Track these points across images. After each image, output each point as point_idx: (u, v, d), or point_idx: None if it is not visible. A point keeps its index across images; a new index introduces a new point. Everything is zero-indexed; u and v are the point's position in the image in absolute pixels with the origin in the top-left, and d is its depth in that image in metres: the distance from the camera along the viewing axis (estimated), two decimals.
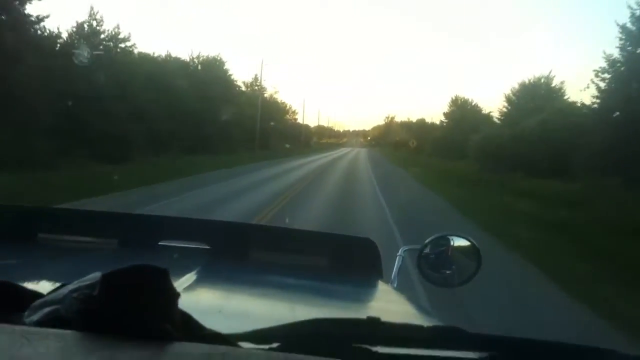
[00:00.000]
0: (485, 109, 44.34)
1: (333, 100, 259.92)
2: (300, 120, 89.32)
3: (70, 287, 0.72)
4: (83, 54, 22.19)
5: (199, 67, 42.78)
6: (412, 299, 1.67)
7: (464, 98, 47.48)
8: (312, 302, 1.47)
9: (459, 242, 1.92)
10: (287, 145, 54.79)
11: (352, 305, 1.52)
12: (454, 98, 47.95)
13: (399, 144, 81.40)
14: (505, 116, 34.37)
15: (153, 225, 1.91)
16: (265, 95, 72.35)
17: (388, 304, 1.53)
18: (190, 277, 1.36)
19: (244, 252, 1.78)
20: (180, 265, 1.52)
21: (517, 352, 0.84)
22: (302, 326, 0.79)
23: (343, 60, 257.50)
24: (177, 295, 0.71)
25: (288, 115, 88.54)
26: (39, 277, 1.27)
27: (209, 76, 40.79)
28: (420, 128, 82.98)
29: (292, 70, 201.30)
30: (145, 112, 28.66)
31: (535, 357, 0.84)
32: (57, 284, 0.78)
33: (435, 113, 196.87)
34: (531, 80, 33.56)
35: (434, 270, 1.92)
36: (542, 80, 32.67)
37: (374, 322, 0.81)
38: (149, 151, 27.95)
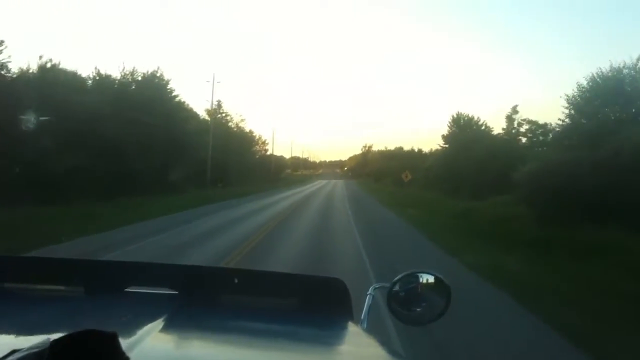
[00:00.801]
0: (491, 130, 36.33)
1: (308, 131, 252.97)
2: (272, 151, 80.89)
3: (19, 354, 0.72)
4: None
5: (133, 86, 33.84)
6: (381, 340, 1.56)
7: (468, 116, 39.22)
8: (277, 348, 1.45)
9: (429, 278, 1.92)
10: (219, 185, 41.39)
11: (320, 349, 1.51)
12: (455, 116, 39.73)
13: (379, 174, 73.24)
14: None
15: (119, 271, 1.88)
16: (230, 124, 64.25)
17: (354, 347, 1.53)
18: (157, 325, 1.35)
19: (212, 296, 1.76)
20: (148, 312, 1.52)
21: None
22: None
23: (316, 89, 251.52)
24: (127, 359, 0.72)
25: (257, 146, 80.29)
26: (2, 329, 1.28)
27: (143, 96, 31.90)
28: (404, 156, 75.56)
29: (263, 100, 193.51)
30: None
31: None
32: (25, 335, 0.81)
33: (415, 141, 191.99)
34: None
35: (403, 308, 1.91)
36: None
37: None
38: (37, 196, 18.99)
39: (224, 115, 62.89)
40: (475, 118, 40.52)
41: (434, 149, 49.23)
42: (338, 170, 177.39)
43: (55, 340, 0.70)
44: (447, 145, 40.14)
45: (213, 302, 1.74)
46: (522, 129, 35.47)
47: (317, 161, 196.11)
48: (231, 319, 1.68)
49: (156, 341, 1.24)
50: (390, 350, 1.52)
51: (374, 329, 1.70)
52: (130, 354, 0.75)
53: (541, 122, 33.62)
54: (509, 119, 36.20)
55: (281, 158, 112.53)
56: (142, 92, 32.36)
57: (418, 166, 48.05)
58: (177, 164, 32.69)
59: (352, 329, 1.63)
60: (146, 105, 30.79)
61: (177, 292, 1.74)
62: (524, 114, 36.73)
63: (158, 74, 35.35)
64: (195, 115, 45.11)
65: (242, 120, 67.08)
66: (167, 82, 35.93)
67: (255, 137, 77.24)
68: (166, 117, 32.57)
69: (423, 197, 30.70)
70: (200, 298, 1.73)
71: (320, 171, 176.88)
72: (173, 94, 36.14)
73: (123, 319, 1.41)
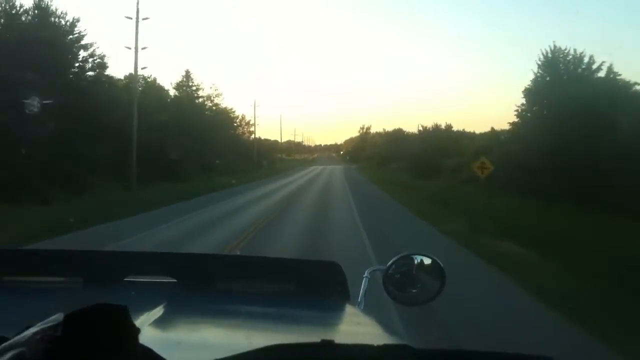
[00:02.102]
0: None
1: (302, 114, 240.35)
2: (255, 133, 68.73)
3: (34, 329, 0.74)
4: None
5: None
6: (379, 319, 1.60)
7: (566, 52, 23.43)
8: (276, 330, 1.48)
9: (423, 260, 1.94)
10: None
11: (315, 330, 1.53)
12: (546, 53, 23.95)
13: (382, 158, 61.13)
14: None
15: (118, 261, 1.91)
16: (202, 98, 51.94)
17: (352, 326, 1.56)
18: (157, 311, 1.36)
19: (210, 282, 1.77)
20: (147, 299, 1.53)
21: None
22: (258, 354, 0.82)
23: (310, 71, 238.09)
24: (138, 331, 0.75)
25: (240, 128, 68.25)
26: (4, 320, 1.29)
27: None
28: (424, 138, 63.23)
29: (254, 82, 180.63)
30: None
31: None
32: (22, 326, 0.80)
33: (411, 124, 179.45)
34: None
35: (399, 289, 1.92)
36: None
37: (326, 344, 0.84)
38: None
39: (193, 88, 50.84)
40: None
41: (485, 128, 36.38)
42: (334, 154, 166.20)
43: (68, 315, 0.71)
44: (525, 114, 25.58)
45: (211, 288, 1.76)
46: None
47: (312, 145, 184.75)
48: (230, 304, 1.70)
49: (156, 328, 1.25)
50: (388, 329, 1.54)
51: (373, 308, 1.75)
52: None
53: None
54: None
55: (267, 141, 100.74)
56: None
57: (452, 150, 35.46)
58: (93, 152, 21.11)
59: (350, 310, 1.68)
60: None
61: (175, 280, 1.76)
62: None
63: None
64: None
65: (217, 94, 54.85)
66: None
67: (235, 116, 65.55)
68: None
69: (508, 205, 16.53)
70: (198, 285, 1.74)
71: (316, 155, 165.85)
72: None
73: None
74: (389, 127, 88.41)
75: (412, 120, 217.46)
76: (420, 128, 48.92)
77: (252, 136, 73.90)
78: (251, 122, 71.61)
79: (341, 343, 0.85)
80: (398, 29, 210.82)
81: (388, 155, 57.63)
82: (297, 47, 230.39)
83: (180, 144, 30.83)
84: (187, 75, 50.03)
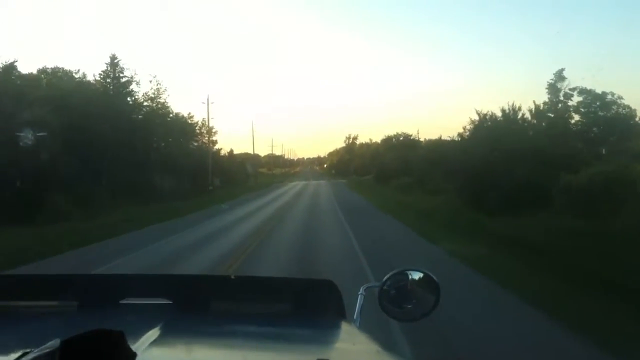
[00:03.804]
0: None
1: (282, 127, 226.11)
2: (209, 140, 54.30)
3: (31, 355, 0.73)
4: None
5: None
6: (374, 336, 1.58)
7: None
8: (273, 350, 1.47)
9: (417, 276, 1.94)
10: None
11: (313, 349, 1.52)
12: None
13: (384, 170, 46.90)
14: None
15: (113, 284, 1.90)
16: (133, 94, 37.45)
17: (348, 345, 1.56)
18: (153, 334, 1.35)
19: (206, 304, 1.76)
20: (143, 322, 1.52)
21: None
22: None
23: (289, 81, 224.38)
24: (134, 355, 0.75)
25: (199, 137, 54.12)
26: (0, 346, 1.29)
27: None
28: (408, 147, 49.97)
29: (227, 94, 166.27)
30: None
31: None
32: (19, 352, 0.79)
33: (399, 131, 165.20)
34: None
35: (394, 305, 1.93)
36: None
37: None
38: None
39: (121, 77, 36.64)
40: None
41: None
42: (317, 168, 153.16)
43: (65, 340, 0.71)
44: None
45: (207, 309, 1.75)
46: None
47: (295, 158, 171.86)
48: (226, 324, 1.71)
49: (153, 350, 1.24)
50: (384, 347, 1.53)
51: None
52: None
53: None
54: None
55: (245, 155, 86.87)
56: None
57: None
58: None
59: (346, 327, 1.68)
60: None
61: (171, 302, 1.75)
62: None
63: None
64: None
65: (161, 91, 40.10)
66: None
67: (193, 122, 51.44)
68: None
69: None
70: (194, 306, 1.74)
71: (298, 169, 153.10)
72: None
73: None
74: (376, 137, 74.87)
75: (398, 128, 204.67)
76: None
77: (219, 148, 60.13)
78: (214, 130, 57.69)
79: None
80: (382, 33, 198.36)
81: (392, 168, 43.69)
82: (275, 57, 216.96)
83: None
84: (114, 61, 35.94)
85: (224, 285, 1.93)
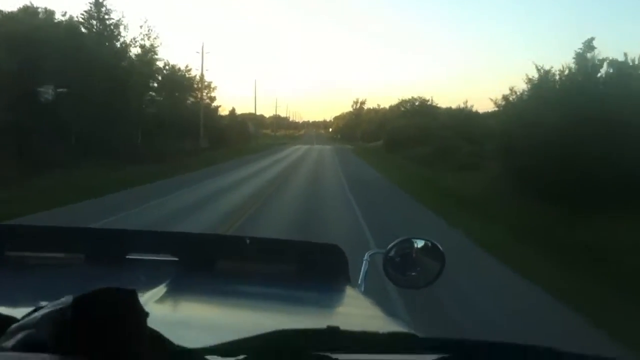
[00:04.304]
0: None
1: (289, 89, 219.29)
2: (201, 94, 49.46)
3: (43, 311, 0.75)
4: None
5: None
6: (378, 302, 1.60)
7: None
8: (280, 311, 1.49)
9: (423, 244, 1.96)
10: None
11: (318, 312, 1.55)
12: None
13: (396, 138, 42.01)
14: None
15: (119, 238, 1.90)
16: (120, 38, 32.45)
17: (354, 309, 1.58)
18: (159, 291, 1.36)
19: (212, 263, 1.77)
20: (149, 278, 1.55)
21: (471, 355, 0.88)
22: (266, 338, 0.82)
23: (297, 41, 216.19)
24: (146, 314, 0.75)
25: (198, 93, 49.40)
26: (10, 297, 1.31)
27: None
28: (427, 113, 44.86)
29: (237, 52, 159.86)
30: None
31: (488, 359, 0.88)
32: (29, 305, 0.81)
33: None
34: None
35: (399, 272, 1.95)
36: None
37: (333, 331, 0.85)
38: None
39: (106, 20, 31.79)
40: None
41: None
42: (322, 131, 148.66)
43: (77, 298, 0.72)
44: None
45: (213, 268, 1.75)
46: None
47: (300, 121, 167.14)
48: (231, 284, 1.72)
49: (159, 306, 1.25)
50: (385, 311, 1.55)
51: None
52: None
53: None
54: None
55: (250, 115, 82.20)
56: None
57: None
58: None
59: (350, 292, 1.68)
60: None
61: (177, 259, 1.75)
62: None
63: None
64: None
65: (149, 35, 35.01)
66: None
67: (190, 76, 46.73)
68: None
69: None
70: (200, 264, 1.74)
71: (302, 132, 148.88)
72: None
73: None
74: (384, 103, 69.82)
75: (410, 94, 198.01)
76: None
77: (218, 105, 55.89)
78: (213, 86, 53.08)
79: (347, 330, 0.86)
80: None
81: (405, 135, 39.05)
82: (285, 18, 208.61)
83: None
84: (98, 2, 31.15)
85: (231, 244, 1.94)
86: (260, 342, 0.81)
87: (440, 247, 1.91)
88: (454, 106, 42.91)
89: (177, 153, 30.18)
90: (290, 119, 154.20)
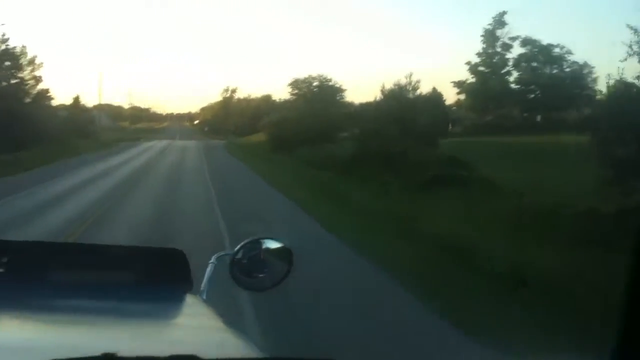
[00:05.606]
0: None
1: (155, 80, 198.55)
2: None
3: None
4: None
5: None
6: (219, 310, 1.57)
7: None
8: (111, 326, 1.39)
9: (271, 244, 1.91)
10: None
11: (152, 325, 1.47)
12: None
13: (278, 137, 30.47)
14: None
15: None
16: None
17: (191, 320, 1.52)
18: None
19: (41, 273, 1.62)
20: None
21: None
22: None
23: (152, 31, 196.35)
24: None
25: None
26: None
27: None
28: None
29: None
30: None
31: None
32: None
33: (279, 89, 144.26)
34: None
35: (246, 275, 1.89)
36: None
37: (107, 357, 0.84)
38: None
39: None
40: None
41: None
42: (187, 124, 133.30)
43: None
44: None
45: (42, 279, 1.61)
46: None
47: (164, 113, 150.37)
48: (63, 298, 1.57)
49: None
50: (226, 321, 1.50)
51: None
52: None
53: None
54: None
55: (108, 106, 66.56)
56: None
57: None
58: None
59: (190, 300, 1.62)
60: None
61: (2, 270, 1.60)
62: None
63: None
64: None
65: None
66: None
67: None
68: None
69: None
70: (27, 276, 1.60)
71: (165, 124, 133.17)
72: None
73: None
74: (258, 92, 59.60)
75: (285, 80, 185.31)
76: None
77: (44, 89, 41.33)
78: (37, 62, 38.59)
79: (124, 356, 0.85)
80: None
81: (298, 129, 27.95)
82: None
83: None
84: None
85: (63, 252, 1.82)
86: None
87: (289, 247, 1.88)
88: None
89: None
90: (151, 111, 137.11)
